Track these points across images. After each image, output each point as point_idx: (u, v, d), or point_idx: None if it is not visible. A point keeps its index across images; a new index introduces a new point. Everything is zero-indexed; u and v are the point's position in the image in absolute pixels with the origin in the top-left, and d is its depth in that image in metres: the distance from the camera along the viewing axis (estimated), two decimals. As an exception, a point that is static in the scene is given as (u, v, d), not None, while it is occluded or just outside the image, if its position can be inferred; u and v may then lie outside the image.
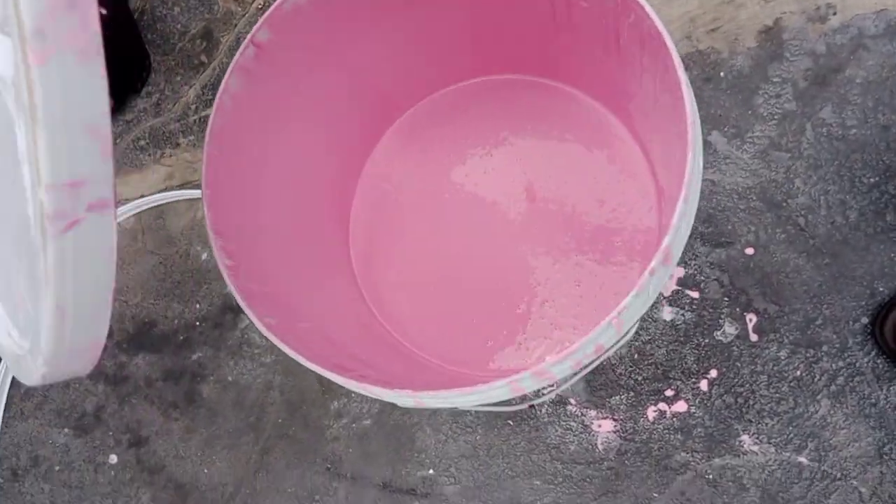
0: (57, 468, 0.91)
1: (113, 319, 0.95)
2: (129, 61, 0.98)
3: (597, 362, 0.70)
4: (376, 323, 0.74)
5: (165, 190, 0.98)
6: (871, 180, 0.74)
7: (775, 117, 0.78)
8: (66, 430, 0.92)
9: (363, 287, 0.75)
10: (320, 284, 0.70)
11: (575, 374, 0.73)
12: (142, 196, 0.98)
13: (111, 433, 0.90)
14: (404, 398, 0.49)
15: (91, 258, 0.28)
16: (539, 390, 0.78)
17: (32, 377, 0.35)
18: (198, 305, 0.91)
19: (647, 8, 0.53)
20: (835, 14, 0.78)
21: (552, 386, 0.76)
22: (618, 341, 0.59)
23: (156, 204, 0.98)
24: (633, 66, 0.64)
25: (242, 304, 0.53)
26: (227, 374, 0.88)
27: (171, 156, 0.99)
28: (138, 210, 0.98)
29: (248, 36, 0.58)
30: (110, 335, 0.95)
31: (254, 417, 0.86)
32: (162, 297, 0.93)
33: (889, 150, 0.74)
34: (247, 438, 0.86)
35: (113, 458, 0.90)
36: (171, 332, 0.91)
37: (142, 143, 1.00)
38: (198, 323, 0.91)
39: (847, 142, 0.76)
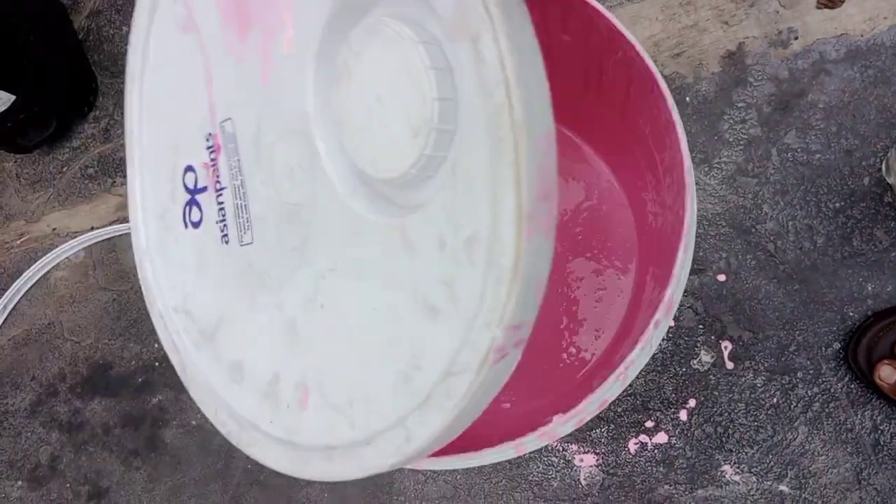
0: (10, 526, 0.81)
1: (65, 361, 0.85)
2: (74, 84, 0.86)
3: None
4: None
5: (117, 222, 0.87)
6: (837, 205, 0.70)
7: (741, 143, 0.73)
8: (19, 482, 0.81)
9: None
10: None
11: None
12: (92, 229, 0.87)
13: (68, 485, 0.80)
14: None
15: (498, 382, 0.28)
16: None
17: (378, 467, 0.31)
18: (156, 345, 0.81)
19: (639, 48, 0.47)
20: (796, 39, 0.73)
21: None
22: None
23: (107, 236, 0.87)
24: (613, 103, 0.57)
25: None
26: (191, 418, 0.78)
27: (122, 185, 0.88)
28: (89, 243, 0.87)
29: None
30: (62, 378, 0.84)
31: (221, 463, 0.77)
32: (117, 337, 0.83)
33: (853, 175, 0.70)
34: (215, 486, 0.76)
35: (71, 513, 0.79)
36: (128, 374, 0.81)
37: (90, 171, 0.89)
38: (157, 363, 0.81)
39: (812, 167, 0.71)
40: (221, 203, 0.36)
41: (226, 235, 0.36)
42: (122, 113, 0.91)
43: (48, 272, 0.87)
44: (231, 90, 0.35)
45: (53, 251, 0.86)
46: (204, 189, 0.37)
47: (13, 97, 0.77)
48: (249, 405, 0.35)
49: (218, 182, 0.37)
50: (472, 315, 0.27)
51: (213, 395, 0.37)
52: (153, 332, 0.80)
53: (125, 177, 0.88)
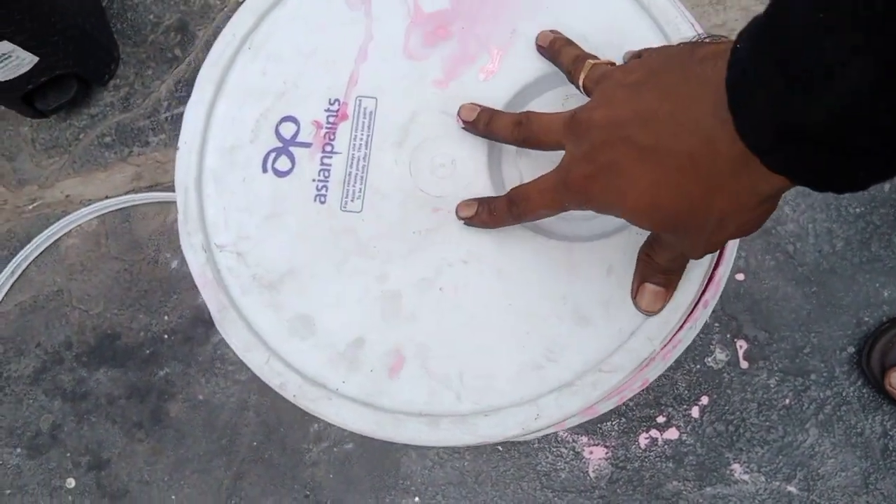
0: (8, 492, 0.79)
1: (72, 330, 0.83)
2: (97, 50, 0.84)
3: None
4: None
5: (133, 191, 0.85)
6: (857, 210, 0.69)
7: (765, 144, 0.72)
8: (18, 450, 0.79)
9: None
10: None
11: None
12: (106, 197, 0.85)
13: (69, 455, 0.78)
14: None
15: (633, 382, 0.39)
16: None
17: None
18: (166, 317, 0.80)
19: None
20: (824, 44, 0.73)
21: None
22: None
23: (122, 206, 0.85)
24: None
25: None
26: (198, 393, 0.77)
27: (139, 154, 0.86)
28: (103, 212, 0.85)
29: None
30: (68, 347, 0.82)
31: (226, 440, 0.75)
32: (127, 307, 0.81)
33: (874, 182, 0.69)
34: (219, 462, 0.75)
35: (70, 482, 0.77)
36: (136, 345, 0.80)
37: (107, 139, 0.87)
38: (166, 336, 0.79)
39: (834, 171, 0.70)
40: (327, 164, 0.38)
41: (323, 195, 0.38)
42: (143, 82, 0.88)
43: (59, 239, 0.86)
44: (387, 76, 0.39)
45: (66, 218, 0.84)
46: (306, 144, 0.39)
47: (36, 58, 0.75)
48: (316, 362, 0.36)
49: (329, 145, 0.38)
50: (628, 330, 0.34)
51: (261, 344, 0.36)
52: (163, 303, 0.79)
53: (143, 146, 0.86)
